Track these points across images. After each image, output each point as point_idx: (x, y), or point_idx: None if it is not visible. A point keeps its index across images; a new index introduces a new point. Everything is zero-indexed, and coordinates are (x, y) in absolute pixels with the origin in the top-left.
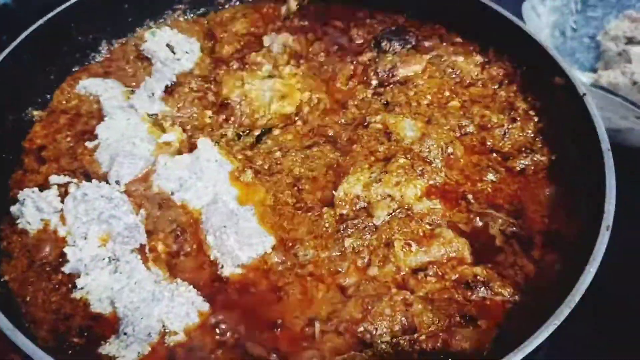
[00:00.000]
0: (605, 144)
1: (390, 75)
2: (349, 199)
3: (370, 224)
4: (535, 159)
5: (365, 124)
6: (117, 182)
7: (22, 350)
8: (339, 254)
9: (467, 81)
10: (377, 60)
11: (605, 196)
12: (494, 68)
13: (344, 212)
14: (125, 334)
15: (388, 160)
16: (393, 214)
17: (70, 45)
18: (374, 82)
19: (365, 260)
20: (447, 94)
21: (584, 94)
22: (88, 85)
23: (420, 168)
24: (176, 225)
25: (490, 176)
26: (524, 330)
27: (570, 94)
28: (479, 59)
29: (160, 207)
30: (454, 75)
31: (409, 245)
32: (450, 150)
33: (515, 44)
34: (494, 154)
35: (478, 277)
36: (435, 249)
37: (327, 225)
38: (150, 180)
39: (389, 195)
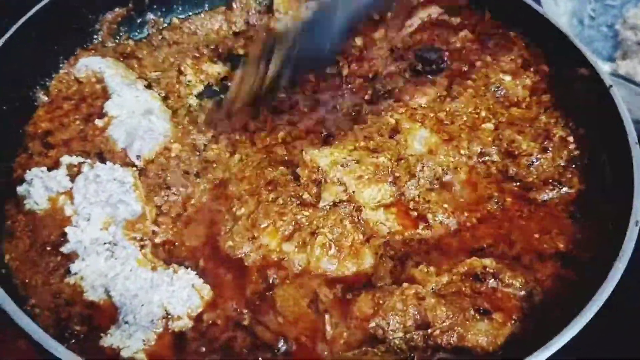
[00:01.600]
0: (633, 137)
1: (386, 96)
2: (311, 165)
3: (312, 201)
4: (562, 192)
5: (379, 111)
6: (138, 157)
7: (28, 334)
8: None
9: (512, 101)
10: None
11: (633, 191)
12: (546, 95)
13: (300, 175)
14: (126, 322)
15: (373, 152)
16: (338, 204)
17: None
18: (367, 97)
19: (287, 232)
20: (483, 114)
21: (611, 86)
22: (89, 63)
23: (396, 175)
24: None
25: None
26: (540, 330)
27: (596, 85)
28: (528, 81)
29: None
30: (497, 95)
31: (329, 247)
32: (448, 177)
33: (538, 34)
34: (514, 184)
35: (487, 269)
36: (348, 264)
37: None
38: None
39: (343, 184)
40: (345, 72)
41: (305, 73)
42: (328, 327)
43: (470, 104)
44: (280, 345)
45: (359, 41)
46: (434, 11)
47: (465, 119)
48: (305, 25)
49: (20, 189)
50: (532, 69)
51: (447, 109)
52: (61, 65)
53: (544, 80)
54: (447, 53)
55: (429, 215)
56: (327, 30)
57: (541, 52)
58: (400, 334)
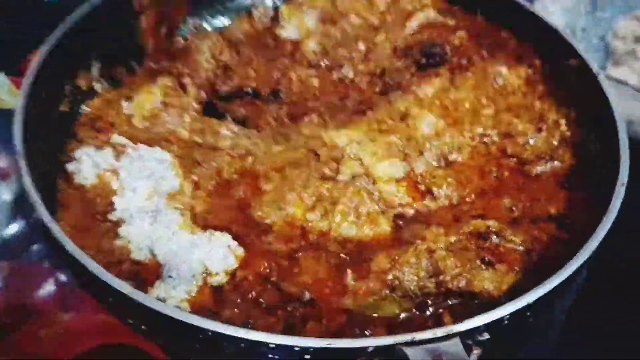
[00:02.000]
0: (618, 114)
1: (395, 88)
2: (330, 144)
3: (331, 175)
4: (555, 165)
5: (389, 101)
6: None
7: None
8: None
9: (509, 90)
10: (393, 73)
11: (620, 159)
12: (540, 86)
13: (320, 153)
14: (170, 277)
15: (386, 133)
16: (355, 178)
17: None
18: (377, 89)
19: (310, 203)
20: (484, 101)
21: (598, 73)
22: None
23: (407, 152)
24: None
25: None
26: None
27: (584, 74)
28: (523, 73)
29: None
30: (495, 85)
31: (348, 214)
32: (453, 155)
33: (529, 31)
34: (511, 159)
35: (490, 228)
36: (366, 230)
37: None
38: None
39: (360, 159)
40: (350, 74)
41: None
42: (349, 280)
43: (472, 93)
44: (305, 297)
45: (362, 46)
46: (431, 14)
47: (467, 106)
48: None
49: (69, 167)
50: (525, 63)
51: (452, 97)
52: None
53: (538, 72)
54: (448, 47)
55: (435, 189)
56: None
57: (532, 49)
58: (415, 284)
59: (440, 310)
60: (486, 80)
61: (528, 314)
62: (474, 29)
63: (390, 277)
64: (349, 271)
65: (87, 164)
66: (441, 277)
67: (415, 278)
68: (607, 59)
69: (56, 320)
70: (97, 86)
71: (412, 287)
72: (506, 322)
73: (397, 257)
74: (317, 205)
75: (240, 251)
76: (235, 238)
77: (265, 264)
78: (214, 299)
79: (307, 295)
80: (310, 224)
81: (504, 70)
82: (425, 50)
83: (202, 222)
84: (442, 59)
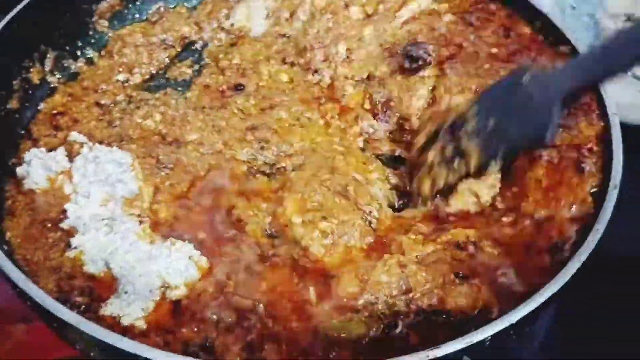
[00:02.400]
0: (612, 109)
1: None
2: None
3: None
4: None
5: None
6: None
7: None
8: None
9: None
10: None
11: (612, 157)
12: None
13: None
14: (125, 292)
15: None
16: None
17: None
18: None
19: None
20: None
21: None
22: None
23: None
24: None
25: None
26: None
27: None
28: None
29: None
30: (486, 66)
31: (326, 236)
32: None
33: (518, 14)
34: None
35: (469, 238)
36: (334, 259)
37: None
38: None
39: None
40: (327, 80)
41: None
42: (312, 297)
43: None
44: (258, 310)
45: (342, 47)
46: (424, 2)
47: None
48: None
49: (19, 170)
50: (512, 34)
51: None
52: None
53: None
54: (430, 47)
55: None
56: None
57: (521, 19)
58: (384, 303)
59: (405, 330)
60: (480, 67)
61: (511, 332)
62: (461, 6)
63: (361, 302)
64: (311, 289)
65: (38, 167)
66: (411, 294)
67: (388, 298)
68: (596, 39)
69: (10, 333)
70: (51, 79)
71: (380, 307)
72: (488, 343)
73: (365, 277)
74: (309, 212)
75: (204, 261)
76: (199, 246)
77: (227, 274)
78: (172, 315)
79: (261, 308)
80: (289, 228)
81: (494, 50)
82: (407, 53)
83: (166, 230)
84: (425, 61)
